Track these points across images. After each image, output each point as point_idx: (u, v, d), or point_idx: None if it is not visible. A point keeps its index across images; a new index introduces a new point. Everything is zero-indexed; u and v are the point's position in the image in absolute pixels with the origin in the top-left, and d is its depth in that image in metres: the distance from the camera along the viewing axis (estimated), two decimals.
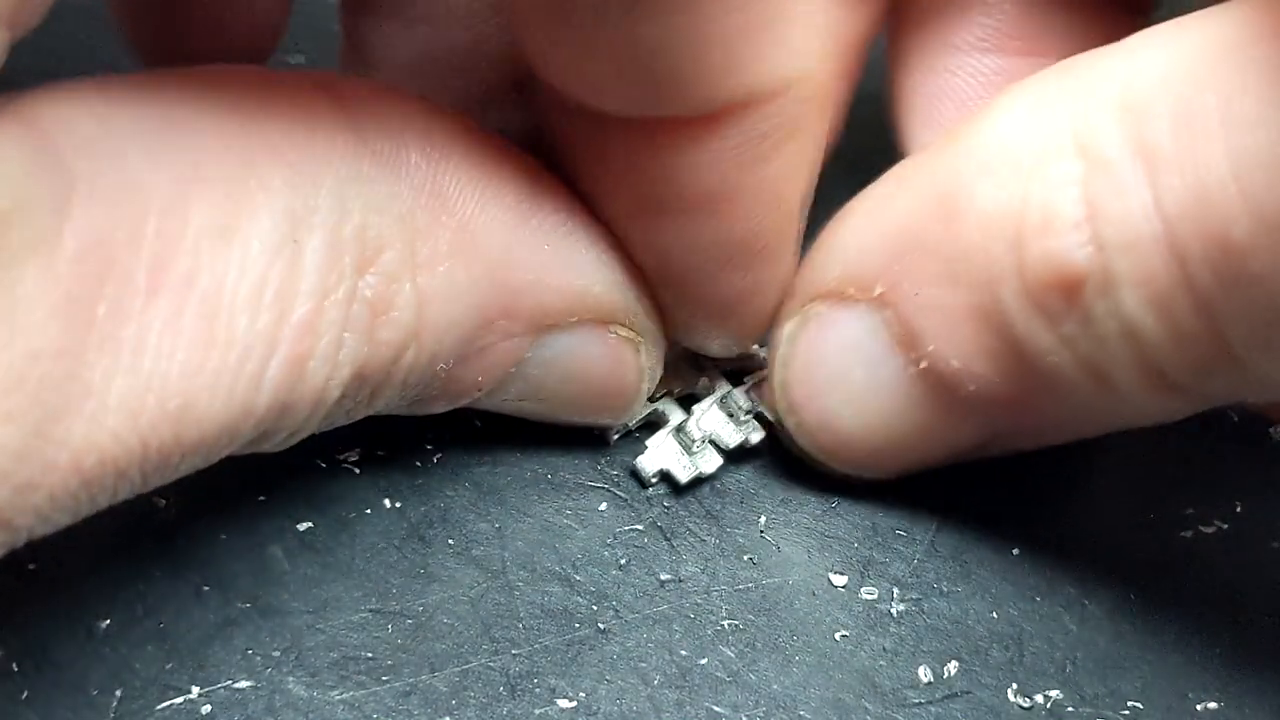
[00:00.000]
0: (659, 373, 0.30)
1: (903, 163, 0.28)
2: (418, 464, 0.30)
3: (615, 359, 0.28)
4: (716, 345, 0.30)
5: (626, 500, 0.30)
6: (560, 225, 0.27)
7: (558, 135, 0.28)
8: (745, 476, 0.30)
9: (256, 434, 0.23)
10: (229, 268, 0.21)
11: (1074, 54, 0.26)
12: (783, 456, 0.31)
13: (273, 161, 0.22)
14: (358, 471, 0.29)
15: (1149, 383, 0.24)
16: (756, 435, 0.30)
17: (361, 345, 0.23)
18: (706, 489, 0.30)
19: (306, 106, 0.23)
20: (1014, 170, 0.24)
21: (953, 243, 0.25)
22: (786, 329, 0.28)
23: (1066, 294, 0.24)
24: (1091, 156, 0.23)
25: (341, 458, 0.29)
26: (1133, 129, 0.23)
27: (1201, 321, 0.22)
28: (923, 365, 0.26)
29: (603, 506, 0.30)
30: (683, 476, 0.30)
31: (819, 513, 0.30)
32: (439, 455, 0.30)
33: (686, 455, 0.30)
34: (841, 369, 0.27)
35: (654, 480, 0.30)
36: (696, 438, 0.30)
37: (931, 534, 0.30)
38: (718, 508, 0.30)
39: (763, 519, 0.30)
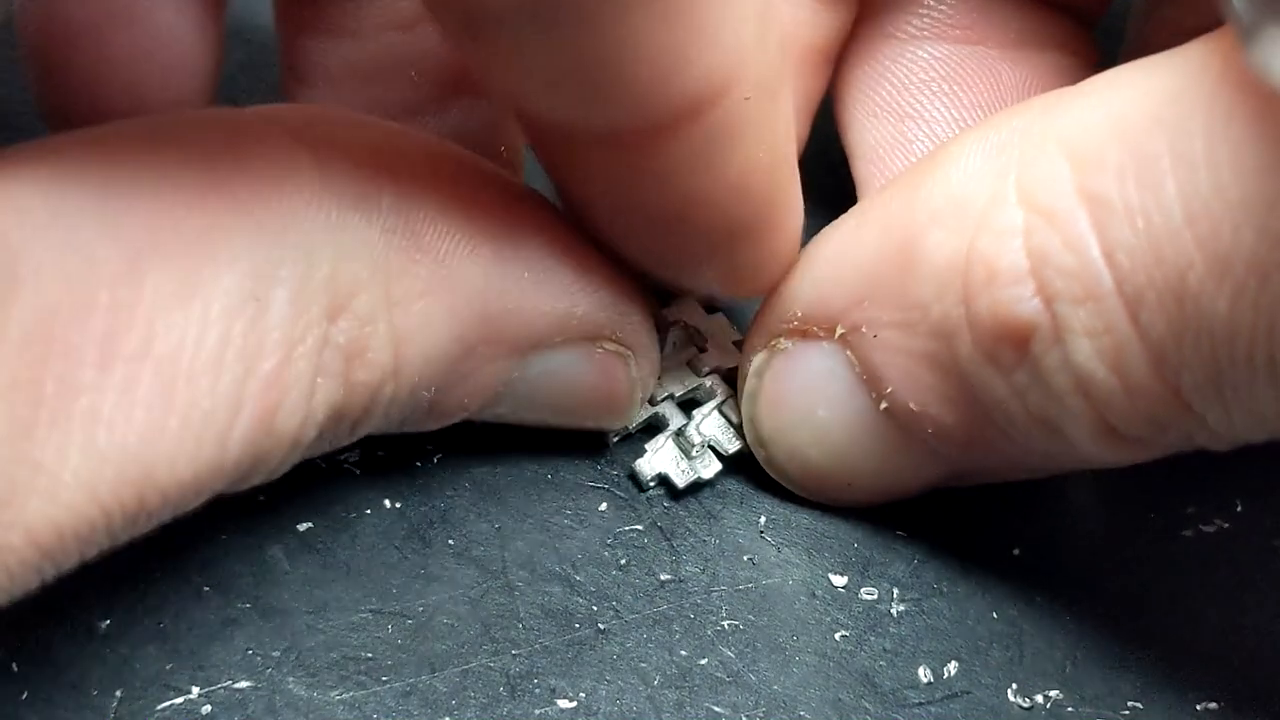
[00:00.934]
0: (652, 382, 0.30)
1: (864, 202, 0.28)
2: (418, 464, 0.30)
3: (604, 373, 0.28)
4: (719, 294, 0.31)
5: (626, 500, 0.30)
6: (539, 249, 0.26)
7: (533, 146, 0.28)
8: (745, 477, 0.30)
9: (229, 483, 0.23)
10: (187, 331, 0.21)
11: (1015, 44, 0.26)
12: None
13: (236, 219, 0.22)
14: (358, 472, 0.29)
15: (1101, 434, 0.24)
16: None
17: (337, 389, 0.23)
18: (707, 489, 0.30)
19: (272, 155, 0.23)
20: (961, 220, 0.24)
21: (907, 291, 0.25)
22: (754, 362, 0.29)
23: (1015, 345, 0.24)
24: (1037, 206, 0.23)
25: (341, 458, 0.29)
26: (1080, 177, 0.22)
27: (1155, 372, 0.22)
28: (883, 406, 0.26)
29: (603, 507, 0.30)
30: (681, 481, 0.29)
31: (819, 513, 0.30)
32: (439, 455, 0.30)
33: (685, 460, 0.30)
34: (807, 405, 0.28)
35: (652, 484, 0.30)
36: (696, 442, 0.30)
37: (932, 534, 0.30)
38: (718, 508, 0.30)
39: (763, 519, 0.30)
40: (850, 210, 0.28)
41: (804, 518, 0.30)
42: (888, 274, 0.26)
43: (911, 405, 0.26)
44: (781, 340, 0.28)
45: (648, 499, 0.30)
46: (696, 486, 0.30)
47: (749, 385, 0.29)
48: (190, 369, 0.21)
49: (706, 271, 0.28)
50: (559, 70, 0.23)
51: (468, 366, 0.26)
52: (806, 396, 0.28)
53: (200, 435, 0.21)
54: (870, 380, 0.27)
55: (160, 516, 0.22)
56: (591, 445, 0.30)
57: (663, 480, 0.30)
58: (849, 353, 0.27)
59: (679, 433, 0.30)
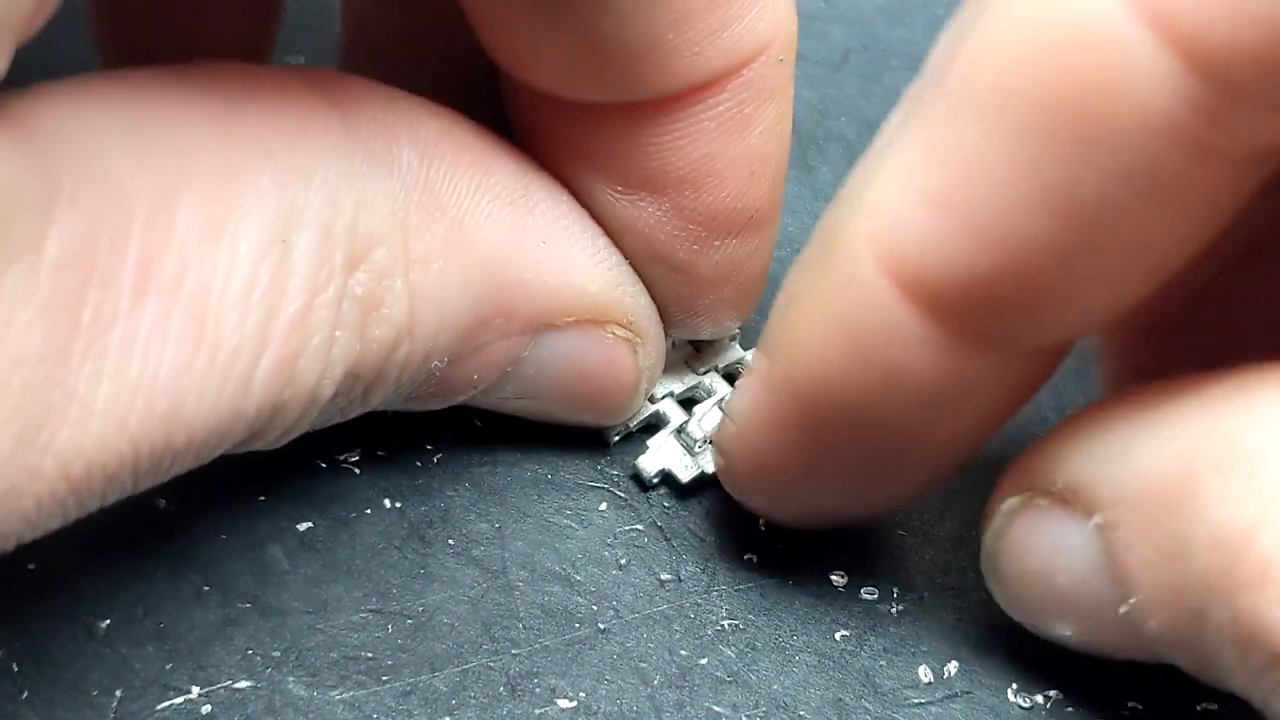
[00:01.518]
0: (658, 372, 0.30)
1: (1161, 397, 0.24)
2: (418, 464, 0.30)
3: (612, 359, 0.28)
4: (708, 327, 0.30)
5: (626, 500, 0.30)
6: (557, 221, 0.26)
7: (528, 122, 0.28)
8: None
9: (249, 433, 0.23)
10: (216, 268, 0.21)
11: None
12: None
13: (262, 160, 0.22)
14: (358, 471, 0.29)
15: None
16: None
17: (354, 343, 0.23)
18: (707, 489, 0.30)
19: (297, 102, 0.23)
20: (1250, 486, 0.21)
21: (1177, 524, 0.22)
22: (1007, 504, 0.26)
23: (1273, 660, 0.21)
24: None
25: (341, 458, 0.29)
26: None
27: None
28: (1123, 610, 0.24)
29: (603, 506, 0.30)
30: (685, 476, 0.29)
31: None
32: (439, 455, 0.30)
33: (689, 455, 0.30)
34: (1049, 568, 0.25)
35: (655, 481, 0.30)
36: (698, 438, 0.30)
37: (932, 534, 0.30)
38: (718, 507, 0.30)
39: (762, 519, 0.30)
40: (1143, 394, 0.24)
41: None
42: (1161, 493, 0.23)
43: (1151, 624, 0.23)
44: (1040, 499, 0.26)
45: (648, 499, 0.30)
46: (700, 482, 0.30)
47: (996, 522, 0.27)
48: (219, 306, 0.21)
49: (699, 260, 0.28)
50: (599, 38, 0.23)
51: (480, 339, 0.26)
52: (1050, 560, 0.25)
53: (225, 374, 0.21)
54: (1116, 581, 0.24)
55: (181, 463, 0.22)
56: (592, 445, 0.30)
57: (666, 477, 0.30)
58: (1102, 545, 0.24)
59: (680, 429, 0.30)
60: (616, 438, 0.30)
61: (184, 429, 0.21)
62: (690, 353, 0.31)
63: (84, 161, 0.20)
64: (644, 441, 0.30)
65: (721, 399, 0.30)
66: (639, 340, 0.28)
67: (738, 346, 0.32)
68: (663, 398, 0.31)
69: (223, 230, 0.21)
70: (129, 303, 0.20)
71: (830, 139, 0.38)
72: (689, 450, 0.30)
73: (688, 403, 0.31)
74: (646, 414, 0.30)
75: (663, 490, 0.30)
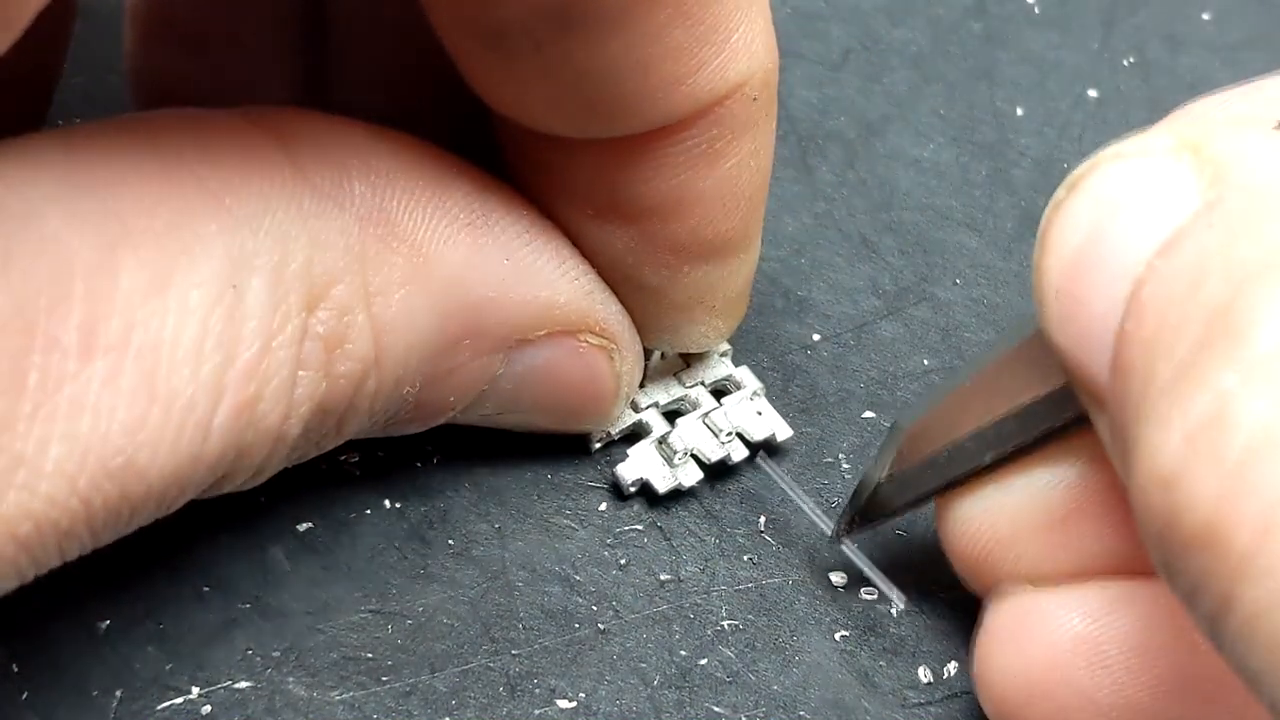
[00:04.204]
0: (638, 376, 0.30)
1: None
2: (418, 464, 0.30)
3: (589, 368, 0.28)
4: (681, 343, 0.30)
5: (626, 500, 0.30)
6: (518, 237, 0.26)
7: (504, 150, 0.27)
8: (745, 476, 0.30)
9: (213, 479, 0.23)
10: (165, 321, 0.21)
11: None
12: (782, 456, 0.31)
13: (208, 208, 0.22)
14: (358, 472, 0.29)
15: None
16: (739, 453, 0.30)
17: (319, 381, 0.23)
18: (707, 489, 0.30)
19: (242, 145, 0.23)
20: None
21: None
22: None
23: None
24: None
25: (342, 458, 0.29)
26: None
27: None
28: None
29: (603, 506, 0.30)
30: (661, 486, 0.29)
31: (819, 513, 0.30)
32: (439, 455, 0.30)
33: (667, 466, 0.30)
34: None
35: (633, 489, 0.29)
36: (679, 449, 0.30)
37: (931, 534, 0.30)
38: (717, 508, 0.30)
39: (762, 519, 0.30)
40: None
41: (804, 518, 0.30)
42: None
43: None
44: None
45: (648, 499, 0.30)
46: (676, 494, 0.30)
47: None
48: (171, 359, 0.21)
49: (673, 287, 0.28)
50: (576, 78, 0.23)
51: (452, 362, 0.26)
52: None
53: (181, 425, 0.21)
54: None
55: (142, 514, 0.22)
56: (585, 447, 0.30)
57: (643, 486, 0.30)
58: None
59: (662, 440, 0.30)
60: (599, 445, 0.30)
61: (140, 482, 0.21)
62: (680, 366, 0.31)
63: (17, 227, 0.20)
64: (627, 448, 0.30)
65: (706, 413, 0.30)
66: (613, 346, 0.28)
67: (728, 362, 0.32)
68: (647, 408, 0.31)
69: (169, 283, 0.21)
70: (76, 364, 0.20)
71: (830, 139, 0.38)
72: (668, 461, 0.30)
73: (672, 415, 0.31)
74: (630, 422, 0.30)
75: (641, 498, 0.30)
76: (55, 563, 0.21)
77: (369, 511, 0.29)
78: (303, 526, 0.28)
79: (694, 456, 0.30)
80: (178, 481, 0.22)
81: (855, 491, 0.27)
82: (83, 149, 0.21)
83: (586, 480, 0.30)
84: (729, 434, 0.30)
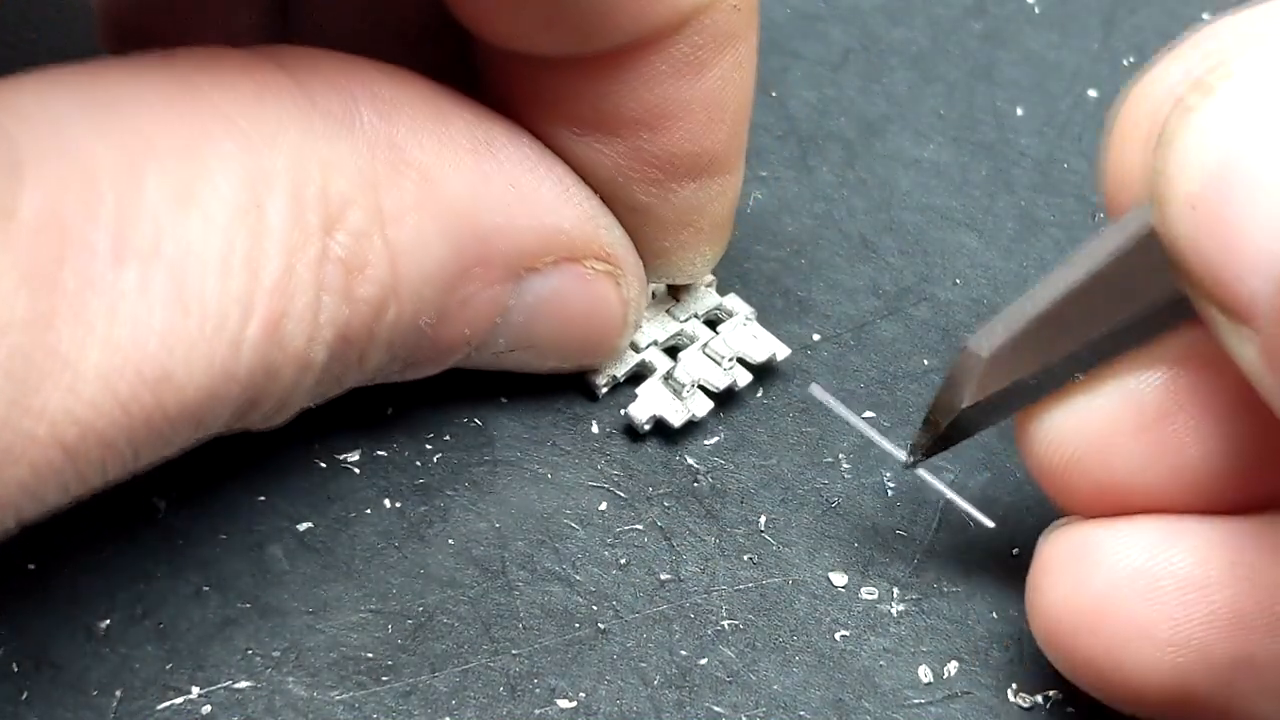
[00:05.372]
0: (644, 303, 0.30)
1: None
2: (418, 464, 0.30)
3: (597, 294, 0.28)
4: (673, 270, 0.30)
5: (626, 500, 0.30)
6: (521, 164, 0.27)
7: (486, 70, 0.28)
8: (745, 476, 0.30)
9: (244, 401, 0.22)
10: (192, 234, 0.21)
11: None
12: (782, 455, 0.31)
13: (225, 129, 0.22)
14: (357, 471, 0.29)
15: None
16: (744, 378, 0.31)
17: (341, 306, 0.23)
18: (706, 489, 0.30)
19: (253, 74, 0.23)
20: None
21: None
22: None
23: None
24: None
25: (341, 458, 0.29)
26: None
27: None
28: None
29: (603, 506, 0.30)
30: (676, 420, 0.30)
31: (819, 513, 0.30)
32: (439, 455, 0.30)
33: (678, 400, 0.30)
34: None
35: (647, 427, 0.30)
36: (685, 383, 0.30)
37: (931, 534, 0.30)
38: (718, 508, 0.30)
39: (763, 519, 0.30)
40: None
41: (804, 517, 0.30)
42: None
43: None
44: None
45: (648, 499, 0.30)
46: (691, 426, 0.30)
47: None
48: (200, 271, 0.21)
49: (660, 204, 0.28)
50: None
51: (464, 291, 0.26)
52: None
53: (214, 338, 0.21)
54: None
55: (181, 433, 0.22)
56: (591, 445, 0.30)
57: (658, 423, 0.30)
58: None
59: (668, 375, 0.31)
60: (605, 389, 0.31)
61: (176, 394, 0.21)
62: (670, 302, 0.32)
63: (45, 135, 0.20)
64: (632, 391, 0.30)
65: (705, 344, 0.31)
66: (620, 271, 0.29)
67: (714, 293, 0.32)
68: (647, 346, 0.31)
69: (193, 196, 0.21)
70: (109, 269, 0.20)
71: (830, 139, 0.38)
72: (677, 394, 0.30)
73: (672, 350, 0.31)
74: (632, 364, 0.31)
75: (663, 488, 0.30)
76: (97, 482, 0.21)
77: (369, 511, 0.29)
78: (302, 526, 0.28)
79: (701, 387, 0.30)
80: (212, 399, 0.22)
81: (928, 419, 0.26)
82: (101, 75, 0.22)
83: (587, 480, 0.30)
84: (731, 360, 0.31)
